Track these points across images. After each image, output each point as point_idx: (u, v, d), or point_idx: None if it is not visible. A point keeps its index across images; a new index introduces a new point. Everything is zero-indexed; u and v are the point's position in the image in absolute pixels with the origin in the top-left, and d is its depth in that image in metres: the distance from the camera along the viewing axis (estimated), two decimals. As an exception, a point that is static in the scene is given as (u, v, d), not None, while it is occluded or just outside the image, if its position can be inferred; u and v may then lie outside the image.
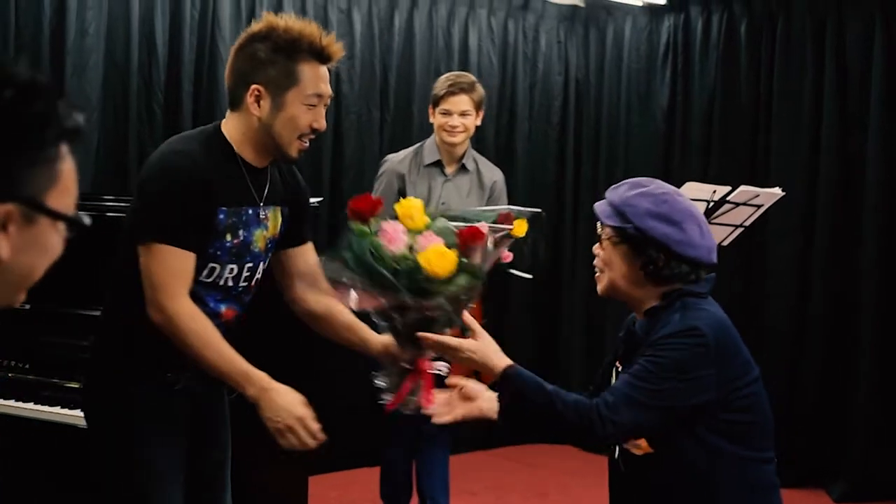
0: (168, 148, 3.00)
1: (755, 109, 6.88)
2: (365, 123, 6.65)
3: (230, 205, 2.97)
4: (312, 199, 4.42)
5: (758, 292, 6.85)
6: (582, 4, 7.56)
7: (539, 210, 5.11)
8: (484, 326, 5.15)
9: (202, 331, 2.89)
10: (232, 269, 3.04)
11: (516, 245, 4.98)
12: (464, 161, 5.23)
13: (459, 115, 5.08)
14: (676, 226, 2.80)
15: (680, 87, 7.21)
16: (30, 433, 3.97)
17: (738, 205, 5.13)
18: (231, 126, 3.02)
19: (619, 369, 2.97)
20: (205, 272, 2.98)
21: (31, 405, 3.93)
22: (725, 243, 5.40)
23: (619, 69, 7.47)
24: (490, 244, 3.53)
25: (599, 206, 2.93)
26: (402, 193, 5.08)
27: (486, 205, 5.11)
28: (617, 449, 2.89)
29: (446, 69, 6.94)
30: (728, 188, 5.08)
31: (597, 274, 2.98)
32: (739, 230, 5.34)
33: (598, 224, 2.95)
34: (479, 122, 5.21)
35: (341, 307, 3.19)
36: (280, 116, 2.95)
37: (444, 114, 5.10)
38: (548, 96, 7.44)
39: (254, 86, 2.95)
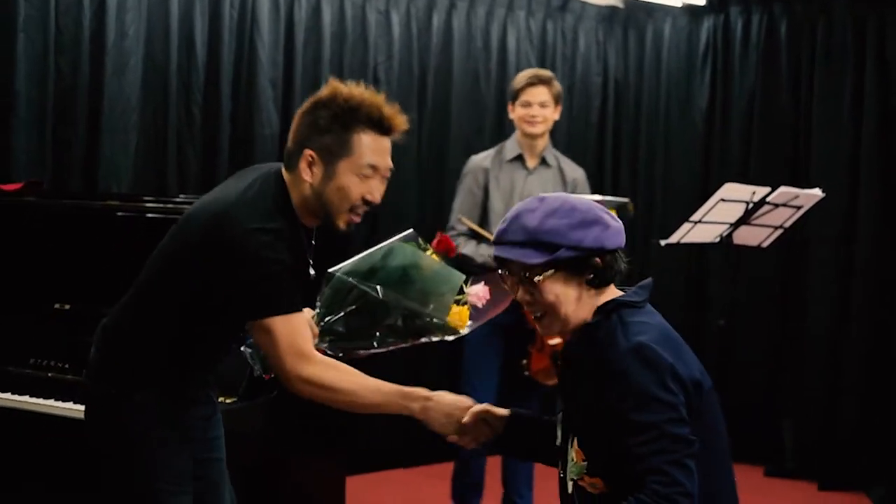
0: (253, 224, 2.83)
1: (795, 110, 6.85)
2: (403, 124, 6.64)
3: (297, 275, 2.94)
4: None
5: (798, 295, 6.82)
6: (621, 5, 7.53)
7: (627, 200, 5.12)
8: None
9: (347, 378, 2.87)
10: None
11: None
12: (545, 155, 5.32)
13: (539, 106, 5.20)
14: (599, 223, 2.61)
15: (719, 88, 7.18)
16: (69, 432, 3.99)
17: (777, 206, 5.10)
18: (289, 182, 2.96)
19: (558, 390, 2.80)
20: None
21: (70, 404, 3.95)
22: (765, 245, 5.38)
23: (659, 70, 7.44)
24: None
25: (508, 253, 2.61)
26: (486, 188, 5.17)
27: None
28: (571, 484, 2.66)
29: (484, 70, 6.95)
30: (768, 189, 5.05)
31: (541, 320, 2.68)
32: (779, 231, 5.31)
33: (512, 275, 2.66)
34: (557, 117, 5.33)
35: None
36: (331, 185, 2.89)
37: (524, 105, 5.23)
38: (586, 97, 7.42)
39: (307, 151, 2.90)
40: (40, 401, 4.03)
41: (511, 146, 5.32)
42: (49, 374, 4.11)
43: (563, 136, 7.27)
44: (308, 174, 2.91)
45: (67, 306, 4.31)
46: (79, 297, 4.31)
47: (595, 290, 2.65)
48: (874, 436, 6.44)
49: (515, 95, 5.25)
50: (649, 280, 2.76)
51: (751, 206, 5.04)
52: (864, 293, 6.52)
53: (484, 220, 5.17)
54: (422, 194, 6.68)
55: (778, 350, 6.96)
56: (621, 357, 2.52)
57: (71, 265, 4.42)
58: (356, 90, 2.93)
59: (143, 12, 5.64)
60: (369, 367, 3.03)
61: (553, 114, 5.25)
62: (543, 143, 5.29)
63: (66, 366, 4.10)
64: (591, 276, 2.62)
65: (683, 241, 5.16)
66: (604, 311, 2.64)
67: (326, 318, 3.10)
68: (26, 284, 4.46)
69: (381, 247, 3.21)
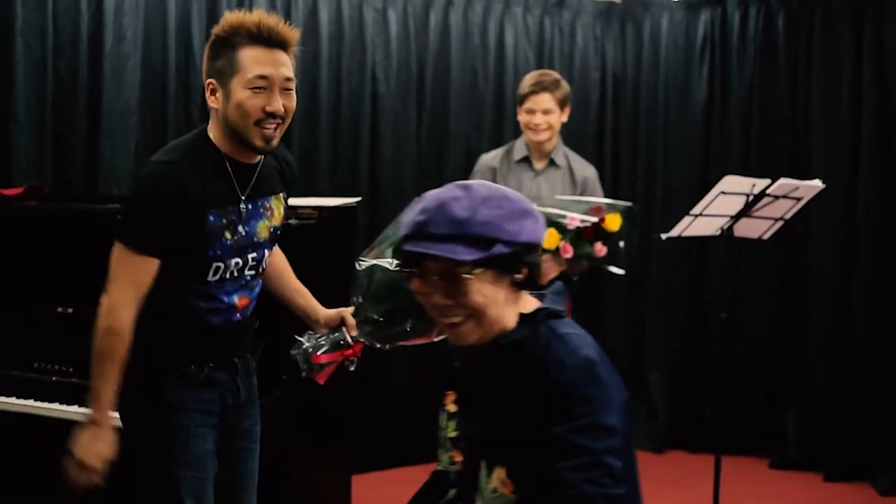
0: (156, 157, 3.06)
1: (794, 102, 6.86)
2: (402, 123, 6.65)
3: (221, 206, 3.02)
4: (350, 200, 4.46)
5: (800, 286, 6.83)
6: (618, 0, 7.53)
7: (630, 204, 5.10)
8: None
9: (105, 337, 2.98)
10: (237, 262, 3.10)
11: (610, 240, 4.95)
12: (553, 156, 5.31)
13: (542, 114, 5.18)
14: (531, 215, 2.31)
15: (718, 82, 7.18)
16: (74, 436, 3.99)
17: (777, 198, 5.09)
18: (211, 127, 3.09)
19: (452, 412, 2.53)
20: (211, 272, 3.05)
21: (75, 408, 3.95)
22: (766, 237, 5.38)
23: (657, 64, 7.43)
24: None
25: (432, 248, 2.26)
26: None
27: None
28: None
29: (482, 67, 6.95)
30: (767, 181, 5.05)
31: (459, 326, 2.32)
32: (779, 223, 5.30)
33: (430, 274, 2.31)
34: (564, 119, 5.29)
35: (290, 270, 3.43)
36: (230, 106, 2.99)
37: (527, 112, 5.22)
38: (585, 93, 7.41)
39: (208, 80, 3.04)
40: (44, 404, 4.04)
41: (519, 146, 5.33)
42: (53, 378, 4.13)
43: (561, 132, 7.26)
44: (214, 102, 3.03)
45: (70, 310, 4.32)
46: (81, 300, 4.31)
47: (518, 291, 2.35)
48: (878, 426, 6.44)
49: (520, 101, 5.25)
50: (560, 285, 2.52)
51: (751, 198, 5.03)
52: (865, 284, 6.53)
53: None
54: (422, 192, 6.66)
55: (780, 341, 6.97)
56: (568, 374, 2.24)
57: (73, 269, 4.43)
58: (240, 13, 3.04)
59: (140, 15, 5.65)
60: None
61: (559, 118, 5.24)
62: (551, 144, 5.29)
63: (70, 369, 4.11)
64: (521, 275, 2.32)
65: (684, 234, 5.16)
66: (532, 320, 2.35)
67: (360, 308, 3.11)
68: (28, 288, 4.47)
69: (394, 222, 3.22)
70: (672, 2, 7.31)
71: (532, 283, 2.36)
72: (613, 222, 4.89)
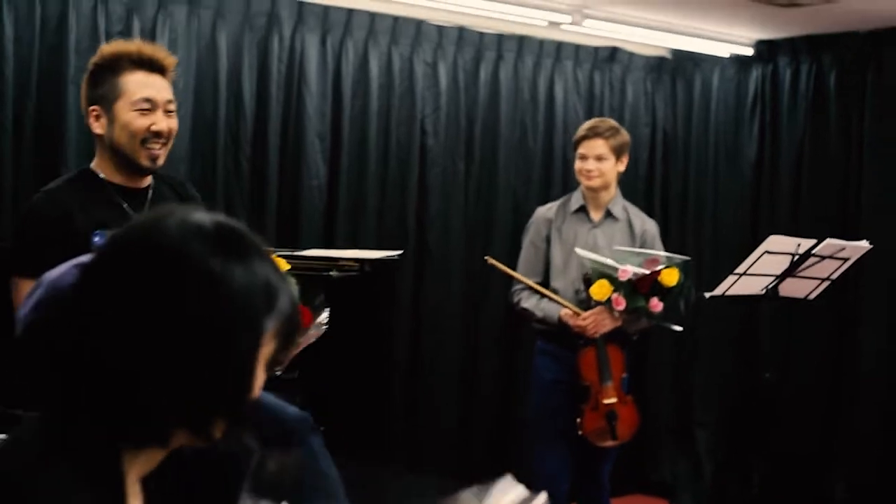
0: (40, 190, 3.23)
1: (845, 161, 6.80)
2: (450, 176, 6.66)
3: (108, 228, 3.07)
4: (392, 252, 4.47)
5: (850, 347, 6.75)
6: (669, 56, 7.54)
7: (688, 258, 5.03)
8: (623, 380, 4.98)
9: None
10: None
11: (668, 295, 4.83)
12: (610, 208, 5.19)
13: (595, 160, 5.06)
14: None
15: (768, 139, 7.15)
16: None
17: (823, 258, 5.07)
18: (96, 156, 3.25)
19: None
20: None
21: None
22: (812, 297, 5.34)
23: (707, 121, 7.42)
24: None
25: None
26: (549, 239, 5.08)
27: None
28: None
29: (532, 122, 6.96)
30: (813, 241, 5.02)
31: None
32: (826, 284, 5.27)
33: None
34: (621, 168, 5.17)
35: None
36: (116, 128, 3.15)
37: (580, 158, 5.11)
38: (635, 148, 7.35)
39: (91, 108, 3.20)
40: None
41: (576, 197, 5.22)
42: None
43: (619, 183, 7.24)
44: (98, 127, 3.20)
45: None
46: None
47: None
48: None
49: (574, 146, 5.16)
50: None
51: (796, 258, 5.01)
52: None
53: (547, 274, 5.12)
54: (469, 246, 6.67)
55: (830, 403, 6.88)
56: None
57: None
58: (118, 42, 3.25)
59: (192, 65, 5.71)
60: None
61: (614, 166, 5.10)
62: (608, 195, 5.17)
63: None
64: None
65: (728, 293, 5.13)
66: None
67: None
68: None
69: None
70: (723, 58, 7.31)
71: None
72: (671, 277, 4.77)
